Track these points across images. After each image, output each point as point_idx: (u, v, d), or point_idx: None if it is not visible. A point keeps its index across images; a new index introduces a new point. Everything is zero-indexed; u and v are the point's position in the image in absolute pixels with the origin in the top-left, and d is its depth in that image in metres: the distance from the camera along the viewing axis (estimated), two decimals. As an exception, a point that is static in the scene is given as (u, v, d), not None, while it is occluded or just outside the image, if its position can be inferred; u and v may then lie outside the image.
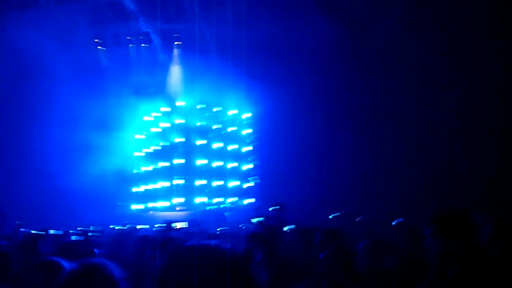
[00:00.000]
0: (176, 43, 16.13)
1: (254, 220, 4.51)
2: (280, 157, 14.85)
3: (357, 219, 7.84)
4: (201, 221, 9.87)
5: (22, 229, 7.25)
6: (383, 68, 14.06)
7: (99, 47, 16.42)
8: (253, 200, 16.34)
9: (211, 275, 1.13)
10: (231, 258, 1.19)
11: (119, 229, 7.41)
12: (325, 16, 14.10)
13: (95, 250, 3.92)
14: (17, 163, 14.58)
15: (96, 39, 16.17)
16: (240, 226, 10.67)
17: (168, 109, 16.13)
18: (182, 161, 15.65)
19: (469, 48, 12.43)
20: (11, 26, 13.31)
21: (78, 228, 8.83)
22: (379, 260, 3.96)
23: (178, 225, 5.08)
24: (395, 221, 7.05)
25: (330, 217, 9.16)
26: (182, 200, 15.11)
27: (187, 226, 5.81)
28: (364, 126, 14.69)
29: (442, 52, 13.10)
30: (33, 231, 5.44)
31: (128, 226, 8.76)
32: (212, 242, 1.27)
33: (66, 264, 2.46)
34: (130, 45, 16.31)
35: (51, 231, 5.72)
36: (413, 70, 13.54)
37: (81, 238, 4.98)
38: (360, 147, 14.37)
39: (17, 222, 7.44)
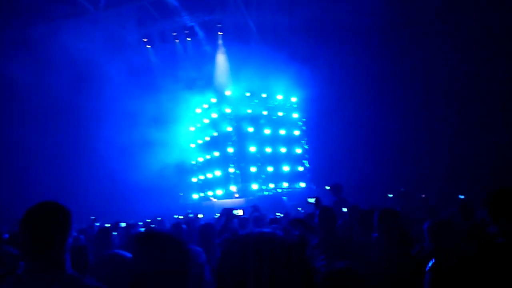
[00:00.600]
0: (219, 33, 16.33)
1: (311, 200, 4.55)
2: (330, 140, 14.71)
3: (420, 197, 7.69)
4: (260, 207, 10.09)
5: (96, 224, 7.84)
6: (433, 46, 13.41)
7: (147, 46, 17.03)
8: (304, 184, 16.36)
9: (266, 264, 1.13)
10: (285, 245, 1.17)
11: (181, 218, 7.75)
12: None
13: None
14: (82, 163, 15.60)
15: (143, 38, 16.77)
16: (298, 209, 10.79)
17: (216, 100, 16.43)
18: (233, 149, 15.94)
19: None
20: (65, 35, 14.11)
21: (147, 220, 9.38)
22: (444, 239, 3.89)
23: (239, 212, 5.22)
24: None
25: (390, 196, 9.01)
26: (238, 187, 15.44)
27: (242, 213, 5.94)
28: (414, 106, 14.16)
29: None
30: (106, 225, 5.90)
31: (190, 215, 9.15)
32: (266, 230, 1.25)
33: (129, 255, 2.61)
34: (176, 40, 16.74)
35: (122, 224, 6.14)
36: (465, 47, 12.78)
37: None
38: (410, 128, 13.90)
39: (91, 217, 8.03)
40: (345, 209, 6.02)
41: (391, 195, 9.31)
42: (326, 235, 3.78)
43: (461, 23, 12.67)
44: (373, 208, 4.83)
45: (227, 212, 5.17)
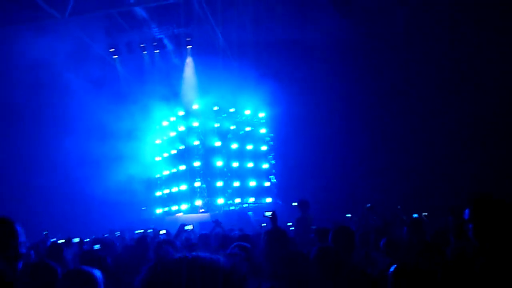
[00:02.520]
0: (188, 46, 16.27)
1: (268, 213, 4.50)
2: (297, 155, 14.86)
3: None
4: (225, 222, 9.94)
5: (52, 239, 7.47)
6: (398, 65, 13.93)
7: (114, 56, 16.72)
8: (270, 199, 16.36)
9: None
10: (218, 275, 1.06)
11: (139, 234, 7.52)
12: (337, 14, 14.01)
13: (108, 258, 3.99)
14: (40, 175, 14.95)
15: (110, 48, 16.45)
16: (262, 225, 10.73)
17: (184, 113, 16.28)
18: (199, 163, 15.78)
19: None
20: (27, 39, 13.66)
21: (105, 235, 9.02)
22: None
23: (189, 227, 5.12)
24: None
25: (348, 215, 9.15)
26: (204, 201, 15.24)
27: (192, 228, 5.80)
28: (379, 123, 14.59)
29: (454, 49, 12.91)
30: (59, 241, 5.63)
31: (150, 230, 8.90)
32: (200, 254, 1.12)
33: (95, 272, 2.54)
34: (144, 52, 16.53)
35: (75, 240, 5.89)
36: (428, 68, 13.37)
37: (99, 246, 5.09)
38: (377, 145, 14.28)
39: (44, 232, 7.66)
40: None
41: (349, 215, 9.45)
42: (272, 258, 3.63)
43: (430, 37, 13.22)
44: (335, 225, 4.86)
45: (183, 227, 5.05)
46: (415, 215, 7.66)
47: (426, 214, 8.23)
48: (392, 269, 2.27)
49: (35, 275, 2.52)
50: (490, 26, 11.90)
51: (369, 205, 7.63)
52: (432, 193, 11.63)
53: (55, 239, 6.64)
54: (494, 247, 2.38)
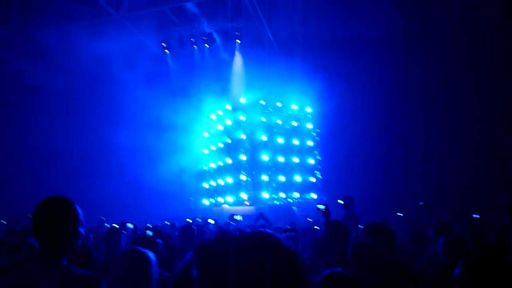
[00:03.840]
0: (237, 41, 16.44)
1: (320, 206, 4.44)
2: (343, 152, 14.62)
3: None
4: (270, 216, 10.00)
5: (106, 224, 7.89)
6: (449, 60, 13.31)
7: (166, 51, 17.24)
8: (315, 195, 16.23)
9: (252, 266, 1.01)
10: (279, 249, 1.05)
11: (188, 222, 7.75)
12: (387, 8, 13.58)
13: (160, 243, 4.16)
14: (97, 166, 15.77)
15: (162, 43, 16.97)
16: (308, 219, 10.68)
17: (231, 107, 16.48)
18: (245, 157, 15.93)
19: None
20: (84, 36, 14.36)
21: (148, 224, 9.38)
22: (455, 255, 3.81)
23: (238, 217, 5.17)
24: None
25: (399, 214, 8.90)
26: (249, 195, 15.39)
27: (241, 218, 5.85)
28: (429, 119, 14.03)
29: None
30: (115, 225, 5.95)
31: (198, 219, 9.14)
32: (261, 230, 1.12)
33: (149, 253, 2.69)
34: (194, 46, 16.91)
35: (129, 225, 6.21)
36: (478, 60, 12.66)
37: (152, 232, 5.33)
38: (425, 142, 13.76)
39: (101, 217, 8.10)
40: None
41: (400, 214, 9.18)
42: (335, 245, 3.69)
43: (477, 36, 12.54)
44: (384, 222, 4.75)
45: (232, 217, 5.13)
46: (475, 216, 7.30)
47: (478, 216, 7.84)
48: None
49: (127, 261, 2.69)
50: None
51: (422, 203, 7.37)
52: (484, 193, 11.02)
53: (111, 224, 7.02)
54: None
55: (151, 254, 2.76)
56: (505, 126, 12.51)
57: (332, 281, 2.11)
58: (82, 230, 2.20)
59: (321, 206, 4.56)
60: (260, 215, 7.37)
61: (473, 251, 4.05)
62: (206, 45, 16.65)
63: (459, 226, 5.69)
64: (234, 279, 1.01)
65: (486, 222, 6.24)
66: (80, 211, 2.19)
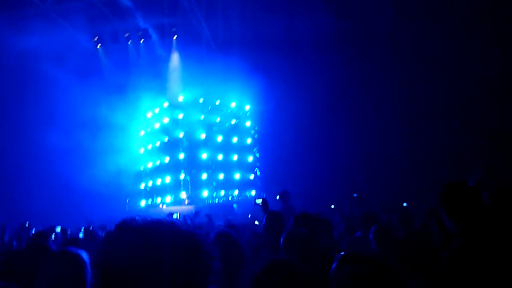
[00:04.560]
0: (174, 37, 16.10)
1: (258, 201, 4.59)
2: (282, 149, 14.93)
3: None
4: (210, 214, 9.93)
5: (34, 228, 7.35)
6: (383, 58, 14.09)
7: (98, 46, 16.42)
8: (254, 192, 16.43)
9: (155, 254, 0.96)
10: (179, 235, 1.00)
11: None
12: (325, 9, 14.04)
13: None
14: (24, 168, 14.72)
15: (94, 38, 16.15)
16: (248, 216, 10.76)
17: (168, 105, 16.13)
18: (184, 155, 15.70)
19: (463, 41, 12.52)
20: (7, 29, 13.32)
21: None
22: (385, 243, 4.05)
23: (175, 215, 5.12)
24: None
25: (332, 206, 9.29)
26: (188, 194, 15.18)
27: (178, 217, 5.80)
28: (366, 119, 14.78)
29: (438, 41, 13.14)
30: (42, 229, 5.56)
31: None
32: (162, 218, 1.08)
33: (82, 253, 2.52)
34: (128, 42, 16.29)
35: (58, 229, 5.82)
36: (419, 61, 13.56)
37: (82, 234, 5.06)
38: (362, 138, 14.47)
39: (26, 223, 7.52)
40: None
41: (332, 206, 9.59)
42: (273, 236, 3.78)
43: (417, 35, 13.38)
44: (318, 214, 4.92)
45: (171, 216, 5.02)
46: (405, 204, 7.80)
47: (406, 204, 8.40)
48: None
49: (58, 263, 2.47)
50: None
51: (355, 194, 7.75)
52: (416, 184, 11.85)
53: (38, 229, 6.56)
54: (467, 227, 2.49)
55: (84, 255, 2.58)
56: (433, 123, 13.51)
57: (273, 269, 2.08)
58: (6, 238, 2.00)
59: (259, 201, 4.68)
60: (196, 214, 7.31)
61: (402, 238, 4.32)
62: (141, 40, 16.11)
63: (386, 215, 6.04)
64: (132, 269, 0.97)
65: (415, 210, 6.68)
66: None
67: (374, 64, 14.23)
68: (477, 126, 12.40)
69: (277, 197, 8.02)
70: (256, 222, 7.09)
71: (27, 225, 7.34)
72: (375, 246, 4.03)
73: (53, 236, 5.20)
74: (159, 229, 1.02)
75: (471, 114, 12.64)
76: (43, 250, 4.55)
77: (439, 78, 13.25)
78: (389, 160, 13.49)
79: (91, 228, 6.24)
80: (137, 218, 1.06)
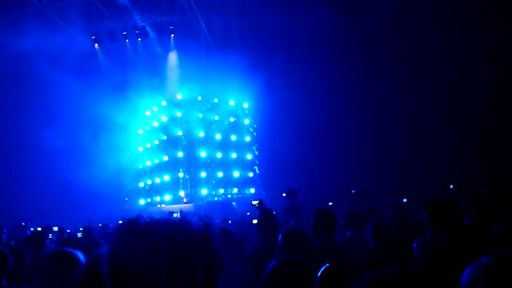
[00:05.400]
0: (172, 35, 16.04)
1: (254, 202, 4.61)
2: (281, 146, 14.90)
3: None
4: (209, 212, 9.90)
5: (31, 228, 7.33)
6: (383, 56, 14.07)
7: (95, 45, 16.35)
8: (253, 190, 16.42)
9: (164, 253, 0.97)
10: (188, 233, 1.03)
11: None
12: (324, 6, 13.97)
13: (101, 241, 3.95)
14: (22, 167, 14.70)
15: (91, 36, 16.06)
16: (247, 214, 10.75)
17: (166, 103, 16.09)
18: (183, 154, 15.67)
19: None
20: (5, 28, 13.25)
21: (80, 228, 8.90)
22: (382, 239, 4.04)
23: (176, 215, 5.09)
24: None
25: (330, 204, 9.27)
26: (187, 192, 15.17)
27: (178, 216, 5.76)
28: (365, 114, 14.77)
29: (438, 40, 13.13)
30: (40, 228, 5.53)
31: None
32: (170, 218, 1.11)
33: (78, 254, 2.51)
34: (126, 40, 16.22)
35: (55, 228, 5.81)
36: (418, 60, 13.54)
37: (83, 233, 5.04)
38: (361, 135, 14.45)
39: (22, 223, 7.52)
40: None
41: (330, 203, 9.58)
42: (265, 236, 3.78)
43: (411, 36, 13.37)
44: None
45: (171, 215, 5.00)
46: (405, 200, 7.79)
47: (406, 200, 8.37)
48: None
49: (53, 263, 2.46)
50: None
51: (354, 191, 7.73)
52: (417, 182, 11.85)
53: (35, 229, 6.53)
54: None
55: (80, 255, 2.58)
56: (438, 120, 13.50)
57: (286, 268, 2.07)
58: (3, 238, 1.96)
59: (255, 202, 4.70)
60: (194, 215, 7.26)
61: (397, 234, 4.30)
62: (139, 39, 16.04)
63: (382, 211, 6.02)
64: (145, 265, 0.99)
65: (418, 207, 6.64)
66: None
67: (374, 61, 14.20)
68: (484, 125, 12.37)
69: (284, 195, 8.00)
70: (255, 221, 7.06)
71: (23, 224, 7.33)
72: (372, 244, 4.01)
73: (50, 236, 5.17)
74: (172, 227, 1.05)
75: (475, 112, 12.60)
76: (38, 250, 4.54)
77: (440, 75, 13.22)
78: (390, 156, 13.48)
79: (89, 227, 6.25)
80: (146, 217, 1.10)
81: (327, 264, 2.10)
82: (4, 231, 5.36)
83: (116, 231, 1.09)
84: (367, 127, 14.52)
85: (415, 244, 3.74)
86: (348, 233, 4.62)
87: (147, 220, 1.07)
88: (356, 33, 14.26)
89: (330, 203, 9.61)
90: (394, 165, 13.31)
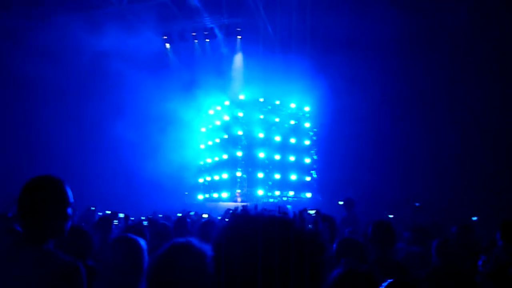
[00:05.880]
0: (238, 37, 16.40)
1: (311, 212, 4.51)
2: (340, 152, 14.60)
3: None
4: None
5: (99, 213, 7.87)
6: (450, 61, 13.31)
7: (166, 44, 17.17)
8: (310, 194, 16.24)
9: (278, 250, 1.02)
10: (306, 234, 1.07)
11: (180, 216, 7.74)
12: (391, 8, 13.52)
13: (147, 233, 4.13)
14: (97, 156, 15.72)
15: (163, 36, 16.89)
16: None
17: (229, 103, 16.45)
18: (242, 153, 15.91)
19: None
20: (84, 28, 14.24)
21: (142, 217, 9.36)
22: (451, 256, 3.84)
23: None
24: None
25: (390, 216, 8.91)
26: (244, 191, 15.38)
27: None
28: (428, 122, 14.05)
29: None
30: (108, 212, 5.95)
31: (191, 213, 9.13)
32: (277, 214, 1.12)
33: (140, 240, 2.67)
34: (195, 40, 16.85)
35: (120, 215, 6.21)
36: (491, 62, 12.64)
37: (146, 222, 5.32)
38: (425, 144, 13.75)
39: (92, 208, 8.08)
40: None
41: (391, 216, 9.21)
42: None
43: (486, 42, 12.53)
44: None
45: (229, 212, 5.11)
46: (474, 218, 7.29)
47: (476, 218, 7.84)
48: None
49: (118, 248, 2.65)
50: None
51: (418, 204, 7.38)
52: (488, 198, 11.02)
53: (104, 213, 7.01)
54: None
55: (142, 242, 2.74)
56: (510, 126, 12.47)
57: (351, 278, 2.06)
58: (70, 212, 2.07)
59: (312, 212, 4.64)
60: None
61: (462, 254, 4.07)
62: (207, 40, 16.61)
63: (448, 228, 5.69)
64: (259, 263, 1.04)
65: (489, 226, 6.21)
66: (69, 192, 2.06)
67: (443, 67, 13.47)
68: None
69: (341, 203, 7.88)
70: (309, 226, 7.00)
71: (92, 209, 7.88)
72: (436, 261, 3.83)
73: (116, 221, 5.53)
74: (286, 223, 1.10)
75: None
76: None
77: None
78: (459, 167, 12.64)
79: (154, 218, 6.58)
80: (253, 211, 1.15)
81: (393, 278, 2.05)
82: (77, 213, 5.81)
83: (228, 221, 1.14)
84: (432, 135, 13.79)
85: (480, 261, 3.54)
86: (412, 249, 4.47)
87: (259, 212, 1.12)
88: (426, 36, 13.61)
89: (391, 215, 9.25)
90: (469, 176, 12.42)
